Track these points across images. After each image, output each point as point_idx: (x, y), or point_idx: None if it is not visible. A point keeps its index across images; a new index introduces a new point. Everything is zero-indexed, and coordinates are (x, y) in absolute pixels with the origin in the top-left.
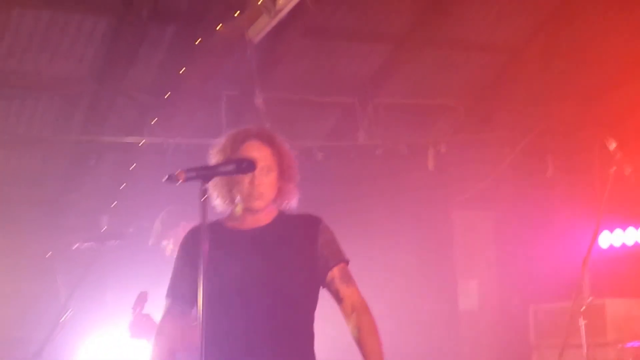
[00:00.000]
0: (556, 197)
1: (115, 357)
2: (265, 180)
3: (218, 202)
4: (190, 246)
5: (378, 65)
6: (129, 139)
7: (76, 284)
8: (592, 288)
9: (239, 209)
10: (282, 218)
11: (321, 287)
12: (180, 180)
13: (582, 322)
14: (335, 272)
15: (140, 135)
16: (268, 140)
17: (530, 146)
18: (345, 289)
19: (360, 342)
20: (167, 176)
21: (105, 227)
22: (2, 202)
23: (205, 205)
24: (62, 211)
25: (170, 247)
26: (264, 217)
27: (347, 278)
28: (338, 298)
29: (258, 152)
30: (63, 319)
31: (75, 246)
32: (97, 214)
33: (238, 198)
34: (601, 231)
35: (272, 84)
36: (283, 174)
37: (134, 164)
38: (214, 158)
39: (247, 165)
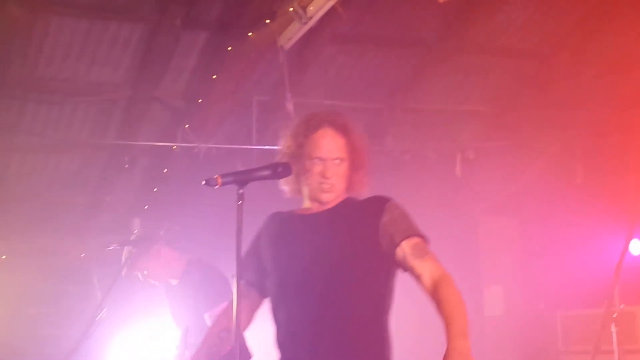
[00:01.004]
0: (585, 204)
1: (143, 355)
2: (337, 171)
3: (286, 189)
4: (263, 232)
5: (407, 71)
6: (162, 144)
7: (111, 284)
8: (622, 295)
9: (305, 198)
10: (349, 201)
11: (399, 271)
12: (218, 185)
13: (613, 329)
14: (404, 248)
15: (173, 140)
16: (342, 128)
17: (560, 152)
18: (420, 264)
19: (443, 314)
20: (204, 180)
21: (138, 229)
22: (41, 205)
23: (241, 209)
24: (96, 213)
25: (145, 273)
26: (331, 202)
27: (422, 252)
28: (415, 275)
29: (332, 142)
30: (98, 317)
31: (111, 248)
32: (130, 216)
33: (305, 188)
34: (633, 238)
35: (301, 89)
36: (354, 163)
37: (167, 168)
38: (284, 141)
39: (283, 170)
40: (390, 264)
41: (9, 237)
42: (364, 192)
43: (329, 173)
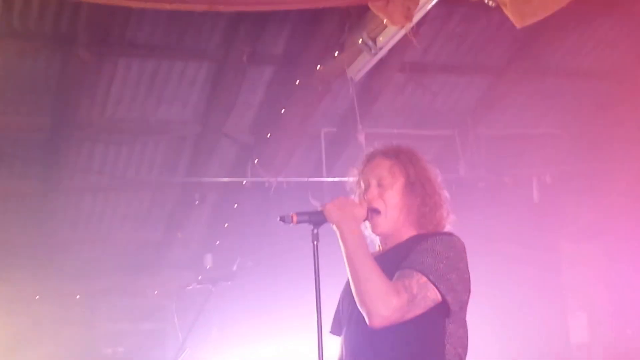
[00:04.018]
0: None
1: None
2: (381, 195)
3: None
4: None
5: (477, 97)
6: (232, 179)
7: (192, 323)
8: None
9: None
10: (410, 240)
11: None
12: (293, 223)
13: None
14: (397, 274)
15: (243, 175)
16: (392, 152)
17: None
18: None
19: None
20: (280, 217)
21: (210, 265)
22: (113, 244)
23: (316, 249)
24: (169, 250)
25: None
26: (391, 241)
27: (402, 277)
28: None
29: (376, 166)
30: (181, 357)
31: (190, 287)
32: (202, 252)
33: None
34: None
35: (370, 119)
36: (412, 188)
37: (237, 203)
38: (353, 182)
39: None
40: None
41: (83, 277)
42: (441, 228)
43: (366, 195)
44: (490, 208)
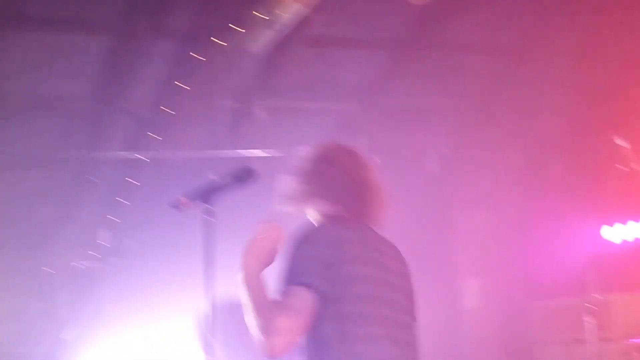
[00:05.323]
0: (560, 196)
1: None
2: None
3: None
4: None
5: (378, 71)
6: (130, 155)
7: (77, 300)
8: (597, 284)
9: None
10: None
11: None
12: (186, 207)
13: (587, 318)
14: None
15: (141, 151)
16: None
17: (534, 146)
18: None
19: None
20: (170, 204)
21: (104, 242)
22: (6, 223)
23: (210, 224)
24: (63, 227)
25: None
26: None
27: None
28: None
29: None
30: (65, 334)
31: (74, 264)
32: (97, 228)
33: None
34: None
35: (272, 93)
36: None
37: (135, 180)
38: None
39: (247, 174)
40: None
41: None
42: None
43: None
44: (388, 179)
